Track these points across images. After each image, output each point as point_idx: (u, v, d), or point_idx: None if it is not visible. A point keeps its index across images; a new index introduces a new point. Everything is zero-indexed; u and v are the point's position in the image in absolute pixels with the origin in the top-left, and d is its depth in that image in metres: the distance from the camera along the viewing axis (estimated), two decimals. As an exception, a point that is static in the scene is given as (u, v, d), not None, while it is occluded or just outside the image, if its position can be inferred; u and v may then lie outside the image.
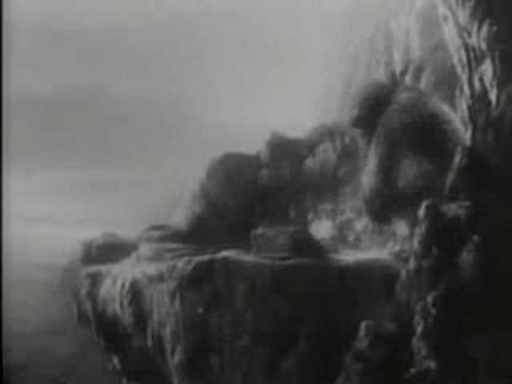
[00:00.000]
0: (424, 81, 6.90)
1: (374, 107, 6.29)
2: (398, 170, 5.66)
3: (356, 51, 8.61)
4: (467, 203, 4.34)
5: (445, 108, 6.05)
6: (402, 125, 5.74)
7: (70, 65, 14.29)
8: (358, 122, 6.52)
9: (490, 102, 4.63)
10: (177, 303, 5.29)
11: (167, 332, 5.45)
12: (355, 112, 6.54)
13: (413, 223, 4.52)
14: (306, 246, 5.92)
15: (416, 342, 4.08)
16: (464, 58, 4.89)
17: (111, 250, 6.99)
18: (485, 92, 4.71)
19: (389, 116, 5.86)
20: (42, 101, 14.02)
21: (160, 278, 5.45)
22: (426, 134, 5.61)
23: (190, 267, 5.24)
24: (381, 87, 6.61)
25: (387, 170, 5.72)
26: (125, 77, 14.07)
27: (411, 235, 4.53)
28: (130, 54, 14.33)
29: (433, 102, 5.97)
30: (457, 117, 5.94)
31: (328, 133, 7.78)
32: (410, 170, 5.56)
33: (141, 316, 5.73)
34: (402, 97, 5.85)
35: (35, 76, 13.64)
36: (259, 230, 6.66)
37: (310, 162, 7.67)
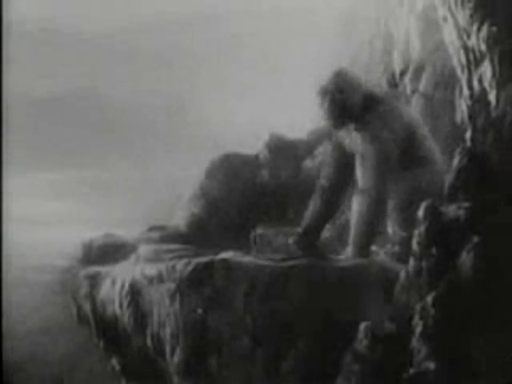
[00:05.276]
0: (424, 81, 6.92)
1: (344, 97, 5.35)
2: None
3: (355, 52, 8.64)
4: (467, 204, 4.35)
5: (417, 116, 6.00)
6: (391, 140, 5.45)
7: (69, 66, 14.35)
8: (330, 118, 5.45)
9: (489, 103, 4.64)
10: (176, 304, 5.28)
11: (167, 333, 5.44)
12: (325, 105, 5.41)
13: (411, 224, 4.52)
14: (306, 246, 5.93)
15: (415, 343, 4.09)
16: (463, 59, 4.88)
17: (111, 251, 6.97)
18: (484, 93, 4.71)
19: (372, 128, 5.50)
20: (42, 101, 14.08)
21: (159, 279, 5.43)
22: (410, 144, 5.49)
23: (189, 268, 5.22)
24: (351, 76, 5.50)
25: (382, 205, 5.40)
26: (124, 78, 14.12)
27: (410, 236, 4.53)
28: (130, 56, 14.39)
29: (407, 111, 5.84)
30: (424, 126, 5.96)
31: (327, 134, 7.77)
32: (401, 180, 5.47)
33: (140, 317, 5.73)
34: (382, 109, 5.52)
35: (36, 77, 13.69)
36: (259, 231, 6.66)
37: (309, 163, 7.69)
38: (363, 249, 5.30)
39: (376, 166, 5.25)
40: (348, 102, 5.41)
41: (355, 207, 5.34)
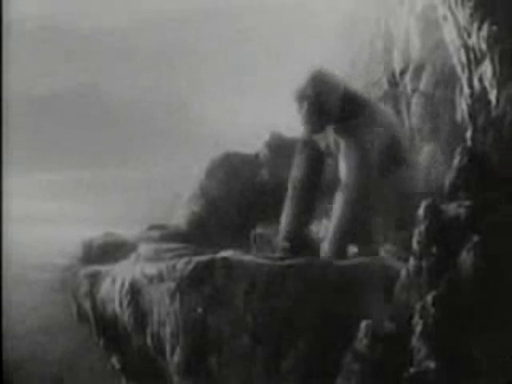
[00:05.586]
0: (424, 80, 6.90)
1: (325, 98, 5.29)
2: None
3: (356, 52, 8.61)
4: (467, 202, 4.34)
5: (395, 117, 6.03)
6: (374, 144, 5.45)
7: (69, 63, 14.33)
8: (309, 123, 5.41)
9: (489, 102, 4.63)
10: (176, 303, 5.27)
11: (167, 332, 5.43)
12: (303, 111, 5.32)
13: (411, 223, 4.52)
14: (306, 245, 5.92)
15: (415, 342, 4.08)
16: (464, 58, 4.87)
17: (111, 250, 6.95)
18: (485, 92, 4.71)
19: (360, 134, 5.48)
20: (43, 99, 14.05)
21: (160, 278, 5.42)
22: (392, 147, 5.51)
23: (189, 267, 5.22)
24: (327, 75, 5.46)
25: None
26: (124, 77, 14.10)
27: (410, 235, 4.53)
28: (131, 53, 14.36)
29: (388, 113, 5.86)
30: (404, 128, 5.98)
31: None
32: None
33: (140, 316, 5.72)
34: (368, 114, 5.51)
35: (36, 75, 13.68)
36: (258, 230, 6.65)
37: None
38: (340, 247, 5.26)
39: (361, 165, 5.24)
40: (326, 105, 5.38)
41: (337, 203, 5.30)
